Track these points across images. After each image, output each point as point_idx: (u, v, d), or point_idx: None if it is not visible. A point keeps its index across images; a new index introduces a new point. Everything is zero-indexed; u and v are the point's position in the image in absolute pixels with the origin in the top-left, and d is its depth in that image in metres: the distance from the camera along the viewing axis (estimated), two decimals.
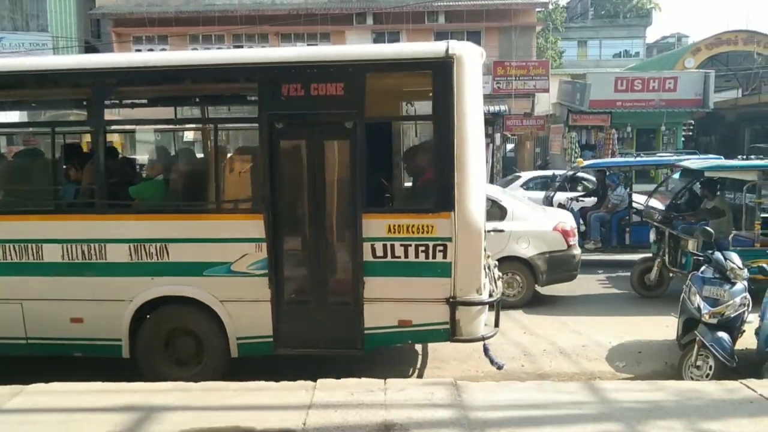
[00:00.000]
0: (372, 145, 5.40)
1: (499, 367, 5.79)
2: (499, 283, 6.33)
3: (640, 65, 34.91)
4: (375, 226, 5.23)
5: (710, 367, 5.44)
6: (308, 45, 22.68)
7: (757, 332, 5.62)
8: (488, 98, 23.54)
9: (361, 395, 4.50)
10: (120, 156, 7.06)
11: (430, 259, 5.19)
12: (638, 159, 13.73)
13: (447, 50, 5.11)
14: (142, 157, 8.75)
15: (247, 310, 5.47)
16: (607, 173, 11.98)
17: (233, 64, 5.83)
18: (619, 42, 46.59)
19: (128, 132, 7.52)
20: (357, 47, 6.90)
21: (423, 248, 5.18)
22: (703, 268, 6.01)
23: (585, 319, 7.82)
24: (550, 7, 36.99)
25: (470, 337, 5.38)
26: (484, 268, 5.57)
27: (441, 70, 5.13)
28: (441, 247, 5.15)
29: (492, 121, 23.82)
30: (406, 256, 5.21)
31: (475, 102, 5.24)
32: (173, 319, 5.68)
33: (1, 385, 4.88)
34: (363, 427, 4.02)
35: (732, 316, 5.55)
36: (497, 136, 24.12)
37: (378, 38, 23.58)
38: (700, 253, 6.35)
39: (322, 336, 5.48)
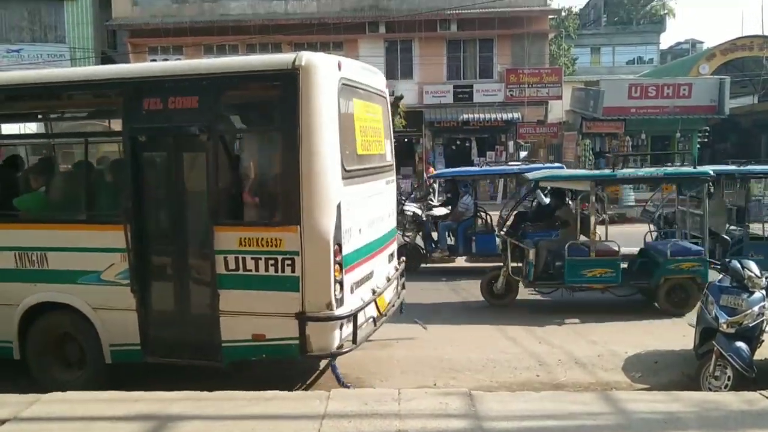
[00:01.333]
0: (227, 158, 5.45)
1: (346, 387, 5.74)
2: (387, 296, 6.29)
3: (654, 72, 34.71)
4: (227, 238, 5.23)
5: (728, 377, 5.37)
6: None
7: None
8: (501, 106, 23.65)
9: (375, 405, 4.50)
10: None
11: (279, 273, 5.13)
12: (483, 168, 14.20)
13: (294, 62, 5.08)
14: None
15: (116, 318, 5.57)
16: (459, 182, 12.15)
17: (97, 79, 5.99)
18: (632, 48, 46.27)
19: (7, 146, 7.77)
20: (209, 61, 6.92)
21: (272, 262, 5.14)
22: (720, 276, 5.94)
23: (599, 328, 7.74)
24: (563, 14, 36.97)
25: (322, 353, 5.30)
26: (365, 280, 5.69)
27: (287, 82, 5.09)
28: (289, 261, 5.10)
29: (504, 128, 23.87)
30: (257, 269, 5.17)
31: (329, 114, 5.16)
32: (57, 324, 5.84)
33: (17, 393, 4.94)
34: None
35: (750, 325, 5.48)
36: (510, 143, 24.13)
37: (390, 47, 23.72)
38: (717, 262, 6.29)
39: (186, 346, 5.52)
